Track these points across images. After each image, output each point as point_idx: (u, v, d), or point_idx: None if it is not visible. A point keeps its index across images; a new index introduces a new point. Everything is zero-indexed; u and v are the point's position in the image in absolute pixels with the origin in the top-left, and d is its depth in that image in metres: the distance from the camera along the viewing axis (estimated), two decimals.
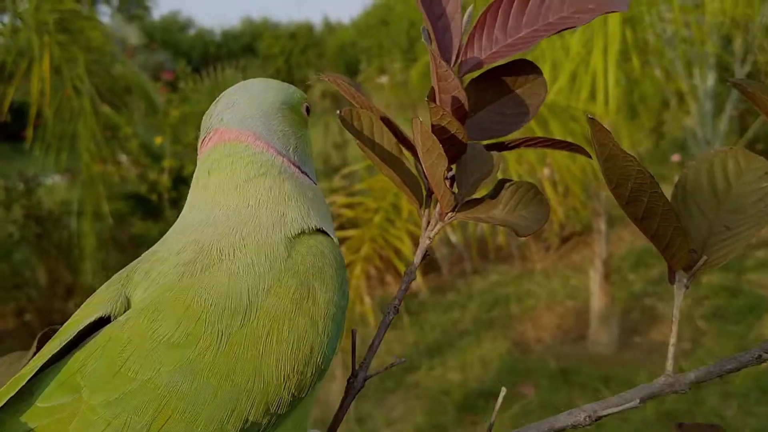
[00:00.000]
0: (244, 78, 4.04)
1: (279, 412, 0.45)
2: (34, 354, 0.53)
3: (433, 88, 0.51)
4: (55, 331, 0.55)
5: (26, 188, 4.46)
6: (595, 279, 3.65)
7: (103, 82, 3.54)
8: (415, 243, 2.55)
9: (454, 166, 0.54)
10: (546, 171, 3.47)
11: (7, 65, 3.23)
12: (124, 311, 0.46)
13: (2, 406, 0.41)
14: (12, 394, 0.41)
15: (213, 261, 0.47)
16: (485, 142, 0.55)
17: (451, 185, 0.54)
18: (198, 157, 0.55)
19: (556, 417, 0.50)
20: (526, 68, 0.54)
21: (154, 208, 4.05)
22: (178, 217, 0.54)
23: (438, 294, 4.46)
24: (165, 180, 3.97)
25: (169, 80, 4.57)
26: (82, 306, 0.48)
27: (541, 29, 0.51)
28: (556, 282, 4.57)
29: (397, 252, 2.56)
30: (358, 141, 0.51)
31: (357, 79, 10.15)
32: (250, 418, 0.44)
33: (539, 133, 3.12)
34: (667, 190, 0.49)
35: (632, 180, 0.46)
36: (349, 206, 2.75)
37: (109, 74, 3.67)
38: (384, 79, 8.11)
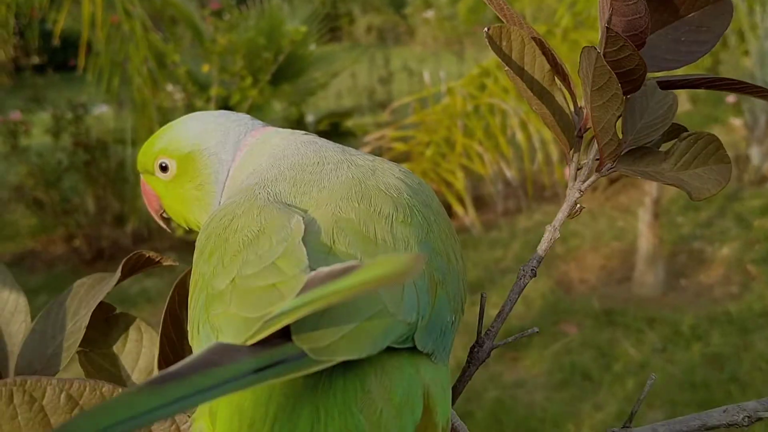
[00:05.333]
0: (291, 10, 3.97)
1: (460, 314, 0.44)
2: (120, 278, 0.52)
3: (601, 8, 0.43)
4: (141, 257, 0.53)
5: (75, 116, 4.50)
6: (644, 219, 3.59)
7: (151, 7, 3.52)
8: (468, 176, 2.52)
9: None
10: None
11: None
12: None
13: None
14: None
15: (369, 173, 0.46)
16: (656, 75, 0.46)
17: None
18: (235, 152, 0.54)
19: (708, 413, 0.43)
20: None
21: None
22: None
23: (487, 230, 4.43)
24: (212, 109, 3.97)
25: (216, 9, 4.52)
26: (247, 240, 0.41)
27: None
28: (602, 223, 4.50)
29: (449, 185, 2.53)
30: (506, 68, 0.44)
31: (403, 14, 9.98)
32: (461, 306, 0.43)
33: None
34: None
35: None
36: (401, 139, 2.71)
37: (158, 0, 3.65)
38: (430, 14, 7.96)
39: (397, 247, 0.40)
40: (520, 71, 0.44)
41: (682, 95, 5.09)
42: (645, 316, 3.37)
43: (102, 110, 5.26)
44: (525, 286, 0.48)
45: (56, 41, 3.38)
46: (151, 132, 3.73)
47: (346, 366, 0.35)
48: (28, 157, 4.59)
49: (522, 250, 4.18)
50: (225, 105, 4.00)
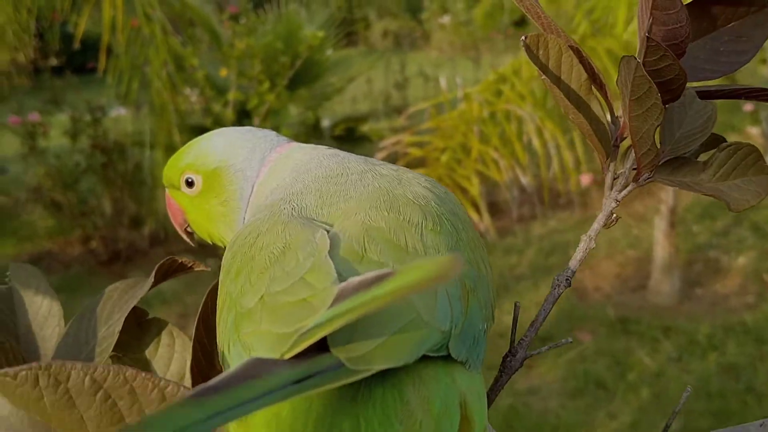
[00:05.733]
0: (308, 14, 3.98)
1: (491, 322, 0.44)
2: (153, 283, 0.53)
3: (640, 17, 0.43)
4: (174, 262, 0.53)
5: (93, 118, 4.54)
6: (659, 227, 3.57)
7: (170, 12, 3.54)
8: (483, 182, 2.53)
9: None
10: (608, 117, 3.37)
11: None
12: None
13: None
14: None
15: (395, 182, 0.46)
16: (693, 85, 0.46)
17: None
18: (260, 167, 0.55)
19: (745, 427, 0.42)
20: None
21: None
22: None
23: (501, 237, 4.43)
24: (229, 113, 3.99)
25: (233, 13, 4.55)
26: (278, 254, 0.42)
27: None
28: (617, 231, 4.49)
29: (465, 191, 2.53)
30: (543, 77, 0.44)
31: (419, 19, 9.99)
32: (492, 313, 0.44)
33: (614, 73, 3.01)
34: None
35: None
36: (417, 145, 2.72)
37: (177, 3, 3.67)
38: (446, 19, 7.97)
39: (428, 254, 0.40)
40: (557, 80, 0.44)
41: None
42: (660, 324, 3.35)
43: (119, 112, 5.29)
44: (559, 296, 0.48)
45: (77, 44, 3.41)
46: (169, 135, 3.77)
47: (384, 377, 0.35)
48: (46, 158, 4.63)
49: (536, 256, 4.17)
50: (242, 109, 4.02)
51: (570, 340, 0.53)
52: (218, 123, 3.99)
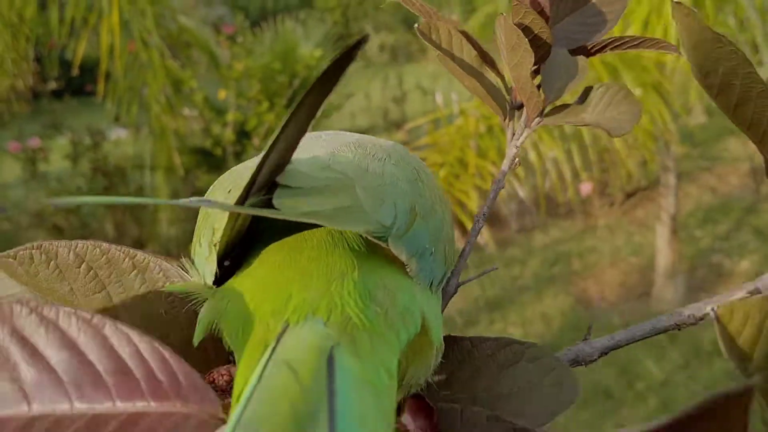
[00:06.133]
0: (305, 32, 3.99)
1: (444, 259, 0.45)
2: None
3: None
4: None
5: (93, 142, 4.56)
6: (662, 234, 3.58)
7: (167, 35, 3.57)
8: (482, 196, 2.53)
9: (538, 78, 0.53)
10: None
11: (77, 20, 3.28)
12: None
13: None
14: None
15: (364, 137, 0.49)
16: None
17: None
18: None
19: (658, 318, 0.45)
20: None
21: (218, 161, 4.11)
22: None
23: (501, 248, 4.43)
24: (229, 134, 4.01)
25: (230, 34, 4.57)
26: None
27: None
28: (619, 238, 4.49)
29: (463, 206, 2.54)
30: (438, 53, 0.51)
31: (415, 32, 9.99)
32: (444, 255, 0.44)
33: (606, 80, 3.03)
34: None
35: (723, 63, 0.42)
36: None
37: (175, 27, 3.70)
38: None
39: (385, 180, 0.41)
40: (451, 55, 0.52)
41: (698, 107, 5.08)
42: (666, 332, 3.35)
43: (120, 134, 5.32)
44: (481, 228, 0.52)
45: (75, 72, 3.43)
46: (169, 158, 3.78)
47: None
48: (47, 182, 4.65)
49: (539, 267, 4.17)
50: (242, 130, 4.04)
51: (496, 266, 0.58)
52: (218, 144, 4.01)
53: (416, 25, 0.50)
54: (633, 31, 2.96)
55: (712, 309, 0.29)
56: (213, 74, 4.40)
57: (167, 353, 0.33)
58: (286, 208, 0.35)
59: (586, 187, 4.39)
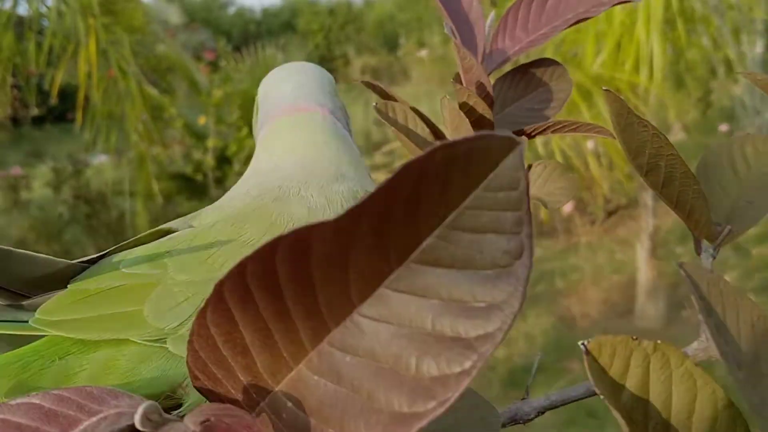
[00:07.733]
0: (285, 57, 4.03)
1: None
2: None
3: (458, 75, 0.54)
4: None
5: (75, 169, 4.54)
6: (642, 251, 3.60)
7: (146, 63, 3.58)
8: None
9: None
10: (590, 144, 3.43)
11: (55, 49, 3.29)
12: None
13: (86, 265, 0.46)
14: (94, 257, 0.46)
15: (283, 196, 0.49)
16: None
17: None
18: (260, 131, 0.59)
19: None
20: (550, 65, 0.57)
21: (199, 187, 4.11)
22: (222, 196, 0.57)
23: None
24: (209, 159, 4.01)
25: (211, 60, 4.60)
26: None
27: (559, 25, 0.54)
28: (601, 256, 4.51)
29: None
30: (394, 129, 0.54)
31: (397, 54, 10.09)
32: None
33: (583, 107, 3.07)
34: None
35: (649, 146, 0.44)
36: None
37: (153, 55, 3.71)
38: (424, 53, 8.06)
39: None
40: (407, 131, 0.55)
41: (676, 125, 5.13)
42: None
43: (101, 160, 5.30)
44: None
45: (54, 101, 3.43)
46: (148, 185, 3.78)
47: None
48: (29, 210, 4.63)
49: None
50: (222, 155, 4.05)
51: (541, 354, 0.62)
52: (199, 170, 4.01)
53: (374, 104, 0.52)
54: (606, 52, 3.00)
55: (582, 343, 0.31)
56: (193, 100, 4.41)
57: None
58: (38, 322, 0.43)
59: (567, 206, 4.42)
